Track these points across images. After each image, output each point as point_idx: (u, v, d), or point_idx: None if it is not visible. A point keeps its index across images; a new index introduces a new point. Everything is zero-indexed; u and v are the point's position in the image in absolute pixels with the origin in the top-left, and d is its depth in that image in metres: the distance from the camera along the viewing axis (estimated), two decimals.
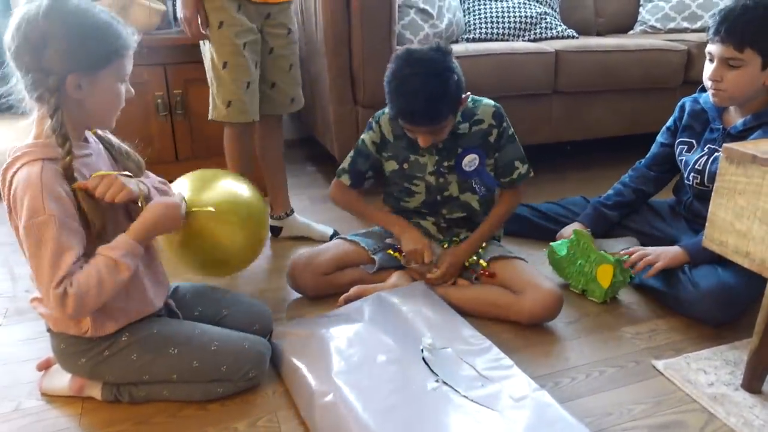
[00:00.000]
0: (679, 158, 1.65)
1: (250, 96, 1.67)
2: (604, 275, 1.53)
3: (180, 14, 1.64)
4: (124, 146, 1.22)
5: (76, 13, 1.00)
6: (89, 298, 1.00)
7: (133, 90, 1.12)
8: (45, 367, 1.25)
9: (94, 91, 1.04)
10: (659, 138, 1.74)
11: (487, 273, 1.53)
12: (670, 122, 1.71)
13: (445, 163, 1.53)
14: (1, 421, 1.14)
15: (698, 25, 2.93)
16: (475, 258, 1.57)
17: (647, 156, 1.77)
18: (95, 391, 1.19)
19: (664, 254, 1.51)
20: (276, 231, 1.96)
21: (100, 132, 1.19)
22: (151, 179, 1.26)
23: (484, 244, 1.59)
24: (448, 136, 1.47)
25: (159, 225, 1.12)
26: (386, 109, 1.53)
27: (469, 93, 1.47)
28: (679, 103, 1.69)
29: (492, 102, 1.53)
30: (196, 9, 1.61)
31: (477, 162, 1.52)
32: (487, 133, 1.52)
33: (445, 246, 1.59)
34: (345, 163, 1.63)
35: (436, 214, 1.61)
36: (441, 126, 1.42)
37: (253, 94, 1.69)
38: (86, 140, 1.14)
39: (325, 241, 1.87)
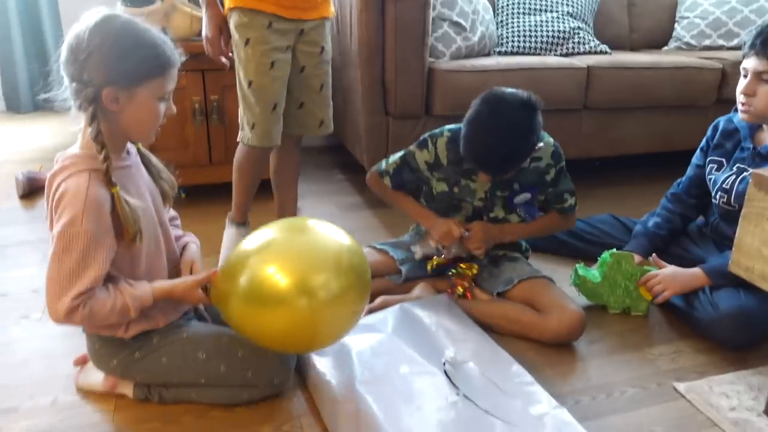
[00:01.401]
0: (708, 177, 1.64)
1: (274, 119, 1.62)
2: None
3: (203, 32, 1.64)
4: (161, 165, 1.27)
5: (120, 29, 1.05)
6: (91, 322, 1.10)
7: (174, 108, 1.16)
8: (82, 362, 1.31)
9: (130, 105, 1.08)
10: (694, 160, 1.73)
11: (467, 293, 1.56)
12: (703, 143, 1.71)
13: (498, 193, 1.55)
14: (39, 413, 1.20)
15: (734, 42, 2.90)
16: (474, 270, 1.58)
17: (684, 179, 1.76)
18: (127, 390, 1.24)
19: (677, 280, 1.51)
20: None
21: (142, 147, 1.25)
22: (172, 215, 1.34)
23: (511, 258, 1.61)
24: None
25: (177, 299, 1.19)
26: (445, 130, 1.53)
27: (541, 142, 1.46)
28: (713, 123, 1.69)
29: (551, 140, 1.51)
30: (219, 29, 1.61)
31: (528, 198, 1.55)
32: (545, 171, 1.52)
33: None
34: (389, 166, 1.63)
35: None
36: (505, 175, 1.45)
37: (278, 116, 1.64)
38: (128, 152, 1.19)
39: None
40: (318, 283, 1.09)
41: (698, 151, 1.72)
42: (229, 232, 1.83)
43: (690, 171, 1.74)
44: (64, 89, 1.09)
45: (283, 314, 1.09)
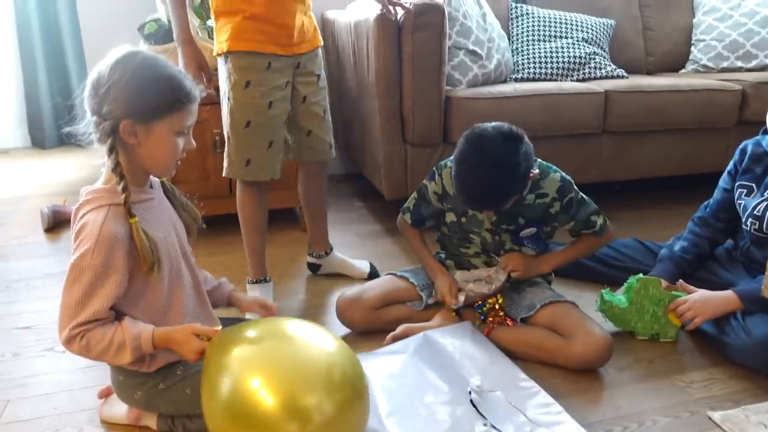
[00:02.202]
0: (738, 202, 1.61)
1: (271, 154, 1.64)
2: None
3: (182, 68, 1.61)
4: (185, 199, 1.30)
5: (140, 64, 1.08)
6: (87, 354, 1.11)
7: (194, 143, 1.18)
8: (105, 395, 1.31)
9: (148, 139, 1.10)
10: (721, 183, 1.71)
11: (503, 319, 1.54)
12: (730, 166, 1.68)
13: (503, 226, 1.55)
14: None
15: (753, 64, 2.88)
16: (500, 300, 1.57)
17: (710, 203, 1.73)
18: (151, 421, 1.24)
19: (708, 305, 1.47)
20: (315, 268, 1.99)
21: (166, 181, 1.26)
22: (206, 278, 1.35)
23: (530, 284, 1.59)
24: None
25: (175, 349, 1.14)
26: (449, 161, 1.55)
27: (535, 166, 1.46)
28: (740, 146, 1.66)
29: (558, 174, 1.51)
30: (200, 70, 1.61)
31: (534, 232, 1.54)
32: (549, 206, 1.52)
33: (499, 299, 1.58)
34: (409, 203, 1.68)
35: (491, 258, 1.62)
36: (502, 208, 1.45)
37: (276, 152, 1.65)
38: (151, 186, 1.21)
39: (363, 278, 1.91)
40: (310, 405, 0.96)
41: (725, 174, 1.70)
42: (252, 294, 1.77)
43: (717, 195, 1.71)
44: (87, 123, 1.12)
45: None
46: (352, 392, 1.02)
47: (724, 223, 1.69)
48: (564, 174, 1.52)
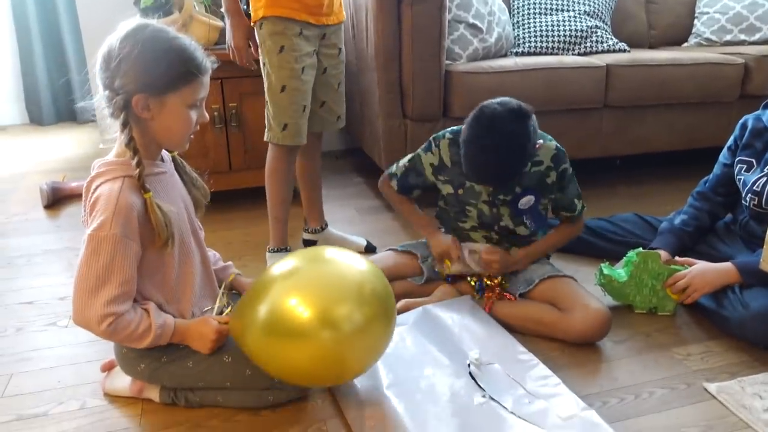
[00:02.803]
0: (738, 177, 1.61)
1: (304, 119, 1.69)
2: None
3: (230, 42, 1.70)
4: (195, 174, 1.30)
5: (150, 38, 1.07)
6: (109, 338, 1.11)
7: (207, 115, 1.18)
8: (108, 368, 1.32)
9: (161, 113, 1.10)
10: (721, 158, 1.70)
11: (502, 294, 1.54)
12: (730, 141, 1.68)
13: (501, 196, 1.54)
14: (69, 418, 1.21)
15: (756, 37, 2.85)
16: (503, 281, 1.57)
17: (710, 178, 1.72)
18: (154, 394, 1.25)
19: (707, 279, 1.47)
20: (310, 244, 2.00)
21: (177, 156, 1.26)
22: (214, 257, 1.38)
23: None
24: None
25: (190, 344, 1.19)
26: (447, 132, 1.55)
27: (540, 140, 1.47)
28: (741, 121, 1.65)
29: (554, 143, 1.50)
30: (247, 39, 1.68)
31: (532, 201, 1.53)
32: (545, 174, 1.51)
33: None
34: (398, 169, 1.66)
35: (489, 232, 1.62)
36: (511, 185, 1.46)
37: (306, 116, 1.70)
38: (162, 159, 1.21)
39: (360, 253, 1.91)
40: (341, 315, 1.07)
41: (725, 149, 1.69)
42: (271, 262, 1.78)
43: (717, 169, 1.70)
44: (100, 98, 1.11)
45: (306, 348, 1.07)
46: (380, 307, 1.11)
47: (723, 197, 1.69)
48: (558, 143, 1.52)
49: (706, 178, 1.75)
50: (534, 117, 1.40)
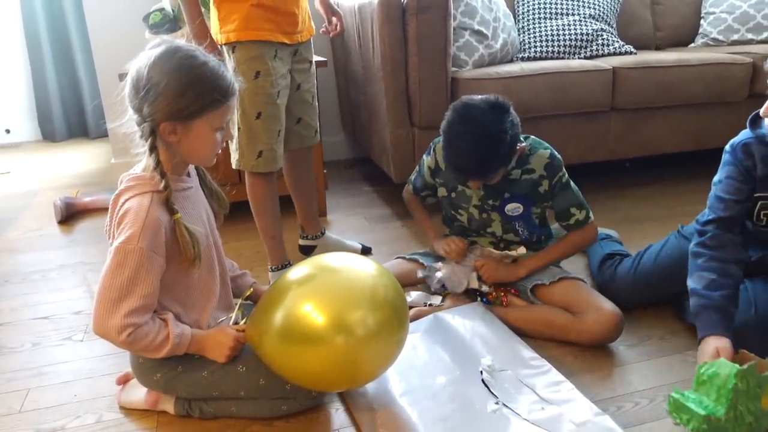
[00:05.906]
0: (765, 212, 1.35)
1: (279, 143, 1.65)
2: None
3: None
4: (216, 186, 1.32)
5: (177, 68, 1.08)
6: (128, 348, 1.13)
7: (232, 132, 1.20)
8: (123, 381, 1.33)
9: (188, 136, 1.12)
10: (725, 196, 1.34)
11: (504, 299, 1.55)
12: (729, 172, 1.35)
13: (490, 201, 1.55)
14: None
15: (764, 36, 2.84)
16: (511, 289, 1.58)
17: (716, 219, 1.35)
18: (168, 406, 1.26)
19: None
20: (308, 250, 1.99)
21: (201, 168, 1.29)
22: (231, 265, 1.41)
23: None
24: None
25: (207, 354, 1.20)
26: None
27: (527, 142, 1.48)
28: (730, 149, 1.36)
29: (548, 151, 1.49)
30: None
31: (521, 210, 1.53)
32: (537, 183, 1.50)
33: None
34: (411, 175, 1.74)
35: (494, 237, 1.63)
36: (491, 178, 1.45)
37: (281, 140, 1.66)
38: (188, 174, 1.24)
39: None
40: (355, 320, 1.09)
41: (726, 183, 1.35)
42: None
43: (725, 210, 1.34)
44: (129, 119, 1.14)
45: (321, 353, 1.09)
46: (393, 312, 1.14)
47: (741, 235, 1.37)
48: (555, 152, 1.51)
49: (696, 225, 1.40)
50: (514, 113, 1.41)
